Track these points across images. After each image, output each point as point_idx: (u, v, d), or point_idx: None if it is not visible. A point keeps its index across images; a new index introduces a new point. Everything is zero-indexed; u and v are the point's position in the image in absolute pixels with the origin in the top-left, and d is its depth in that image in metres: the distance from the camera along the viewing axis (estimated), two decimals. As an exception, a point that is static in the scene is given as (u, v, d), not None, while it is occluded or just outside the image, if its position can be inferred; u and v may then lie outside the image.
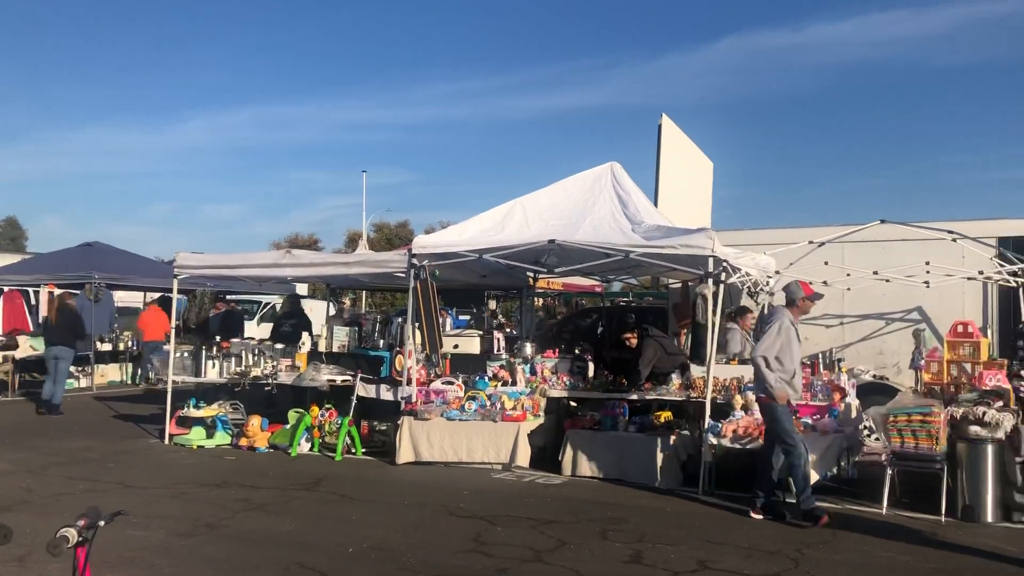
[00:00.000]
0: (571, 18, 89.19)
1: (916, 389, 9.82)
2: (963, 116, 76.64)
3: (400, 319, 11.78)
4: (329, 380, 11.14)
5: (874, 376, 11.27)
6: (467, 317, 19.76)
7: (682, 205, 13.79)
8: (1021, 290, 10.38)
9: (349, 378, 11.11)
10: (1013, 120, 73.59)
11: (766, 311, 11.41)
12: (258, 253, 12.80)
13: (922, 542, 6.89)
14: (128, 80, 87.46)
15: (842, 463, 9.09)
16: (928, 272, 10.64)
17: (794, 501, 7.65)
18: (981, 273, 9.99)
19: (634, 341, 11.00)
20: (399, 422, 10.07)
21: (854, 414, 9.42)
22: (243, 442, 10.90)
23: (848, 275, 11.05)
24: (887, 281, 10.84)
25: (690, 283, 12.72)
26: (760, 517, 7.61)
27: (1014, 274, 9.38)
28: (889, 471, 7.99)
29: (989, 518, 7.59)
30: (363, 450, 10.64)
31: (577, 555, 6.42)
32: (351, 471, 9.72)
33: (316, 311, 17.37)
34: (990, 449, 7.72)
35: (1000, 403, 8.18)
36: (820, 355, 11.68)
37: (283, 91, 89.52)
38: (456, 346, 12.37)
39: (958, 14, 74.27)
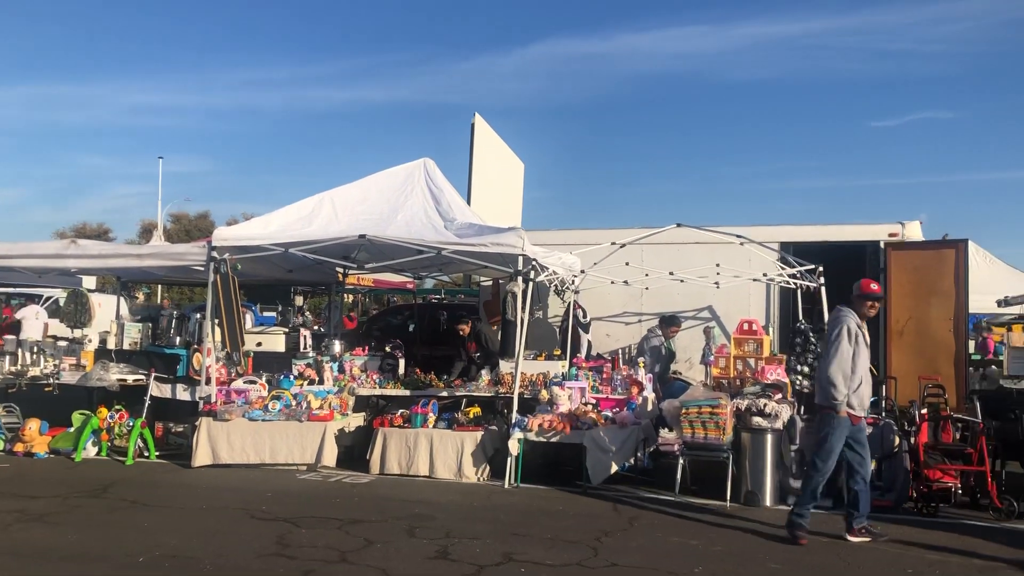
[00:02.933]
0: (382, 11, 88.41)
1: (706, 383, 10.47)
2: (753, 128, 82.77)
3: (199, 315, 11.22)
4: (119, 380, 10.42)
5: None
6: (272, 313, 19.15)
7: (494, 204, 14.01)
8: (799, 291, 11.30)
9: (142, 377, 10.46)
10: (798, 134, 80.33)
11: (575, 310, 11.82)
12: (40, 243, 11.74)
13: (710, 526, 7.36)
14: None
15: (639, 454, 9.55)
16: (718, 274, 11.37)
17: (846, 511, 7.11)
18: (765, 275, 10.79)
19: (467, 330, 11.31)
20: (197, 423, 9.58)
21: (650, 407, 9.92)
22: (19, 448, 9.97)
23: (647, 275, 11.62)
24: (682, 281, 11.49)
25: (500, 281, 12.94)
26: (862, 539, 6.87)
27: (793, 276, 10.19)
28: (681, 460, 8.47)
29: (768, 502, 8.22)
30: (157, 453, 10.03)
31: (384, 554, 6.34)
32: (143, 476, 9.13)
33: (106, 306, 16.17)
34: (770, 438, 8.37)
35: (779, 395, 8.89)
36: (620, 351, 12.24)
37: (66, 69, 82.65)
38: (259, 344, 11.96)
39: (754, 32, 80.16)
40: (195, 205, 62.59)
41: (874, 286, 7.32)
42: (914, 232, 11.82)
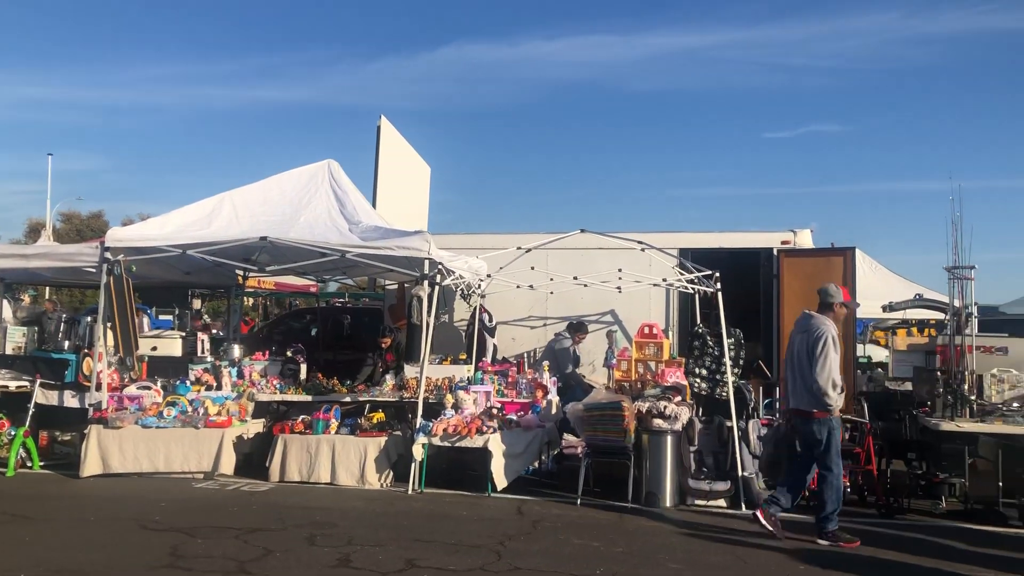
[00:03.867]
0: (288, 10, 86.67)
1: (608, 386, 10.64)
2: (655, 137, 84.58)
3: (90, 318, 10.78)
4: (0, 387, 9.90)
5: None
6: (169, 317, 18.49)
7: (399, 207, 13.90)
8: (697, 296, 11.61)
9: (26, 384, 9.96)
10: (698, 143, 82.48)
11: (481, 314, 11.84)
12: (-86, 242, 11.08)
13: (611, 528, 7.48)
14: None
15: (543, 457, 9.64)
16: (620, 279, 11.57)
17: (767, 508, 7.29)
18: (665, 280, 11.03)
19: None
20: (86, 431, 9.20)
21: (554, 410, 10.02)
22: None
23: (552, 280, 11.72)
24: (585, 286, 11.65)
25: (406, 284, 12.85)
26: (772, 527, 7.14)
27: (692, 282, 10.45)
28: (584, 463, 8.58)
29: (668, 502, 8.40)
30: (41, 464, 9.58)
31: (283, 563, 6.21)
32: (25, 487, 8.70)
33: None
34: (669, 440, 8.56)
35: (679, 398, 9.10)
36: (525, 355, 12.32)
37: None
38: (155, 348, 11.58)
39: (656, 43, 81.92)
40: (87, 204, 59.85)
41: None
42: (805, 240, 12.30)
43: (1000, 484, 8.09)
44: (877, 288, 13.71)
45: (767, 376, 11.69)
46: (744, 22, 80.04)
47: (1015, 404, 8.62)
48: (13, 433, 9.41)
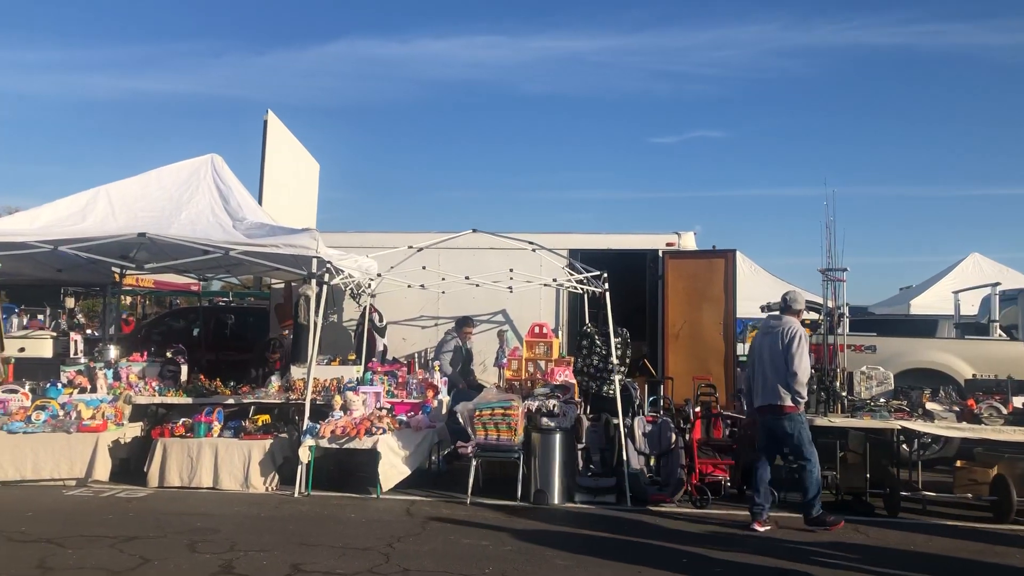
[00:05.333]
0: (171, 0, 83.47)
1: (499, 385, 10.69)
2: (545, 140, 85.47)
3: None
4: None
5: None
6: (39, 316, 17.60)
7: (287, 204, 13.61)
8: (586, 296, 11.81)
9: None
10: (586, 147, 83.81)
11: (371, 314, 11.70)
12: None
13: (501, 527, 7.51)
14: None
15: (433, 457, 9.61)
16: (512, 279, 11.65)
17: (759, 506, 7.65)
18: (555, 280, 11.17)
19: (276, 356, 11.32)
20: (-56, 438, 8.62)
21: (444, 410, 10.00)
22: None
23: (444, 279, 11.71)
24: (477, 286, 11.69)
25: (293, 283, 12.59)
26: (766, 529, 7.55)
27: (581, 282, 10.61)
28: (474, 462, 8.61)
29: (557, 500, 8.51)
30: None
31: (161, 571, 5.98)
32: None
33: None
34: (558, 438, 8.67)
35: (567, 396, 9.23)
36: (416, 355, 12.25)
37: None
38: (23, 349, 11.00)
39: (544, 46, 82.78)
40: (-52, 196, 56.25)
41: None
42: (689, 242, 12.68)
43: (868, 476, 8.56)
44: (756, 289, 14.34)
45: (652, 374, 12.01)
46: (627, 29, 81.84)
47: (882, 399, 9.12)
48: None
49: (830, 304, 9.52)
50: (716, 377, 11.15)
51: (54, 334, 12.04)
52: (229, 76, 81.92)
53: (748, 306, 13.30)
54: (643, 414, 9.72)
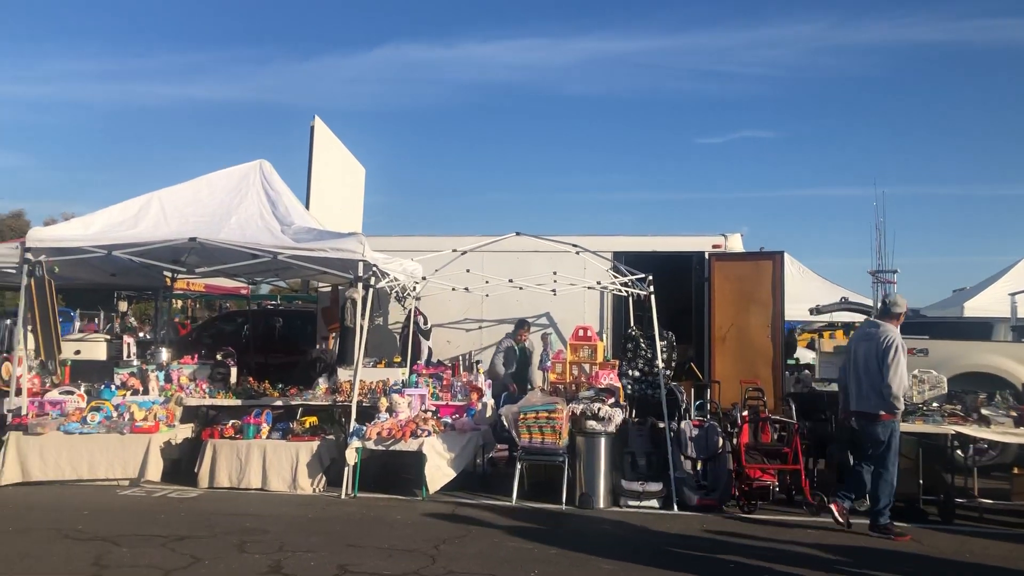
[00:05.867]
0: (221, 7, 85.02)
1: (543, 388, 10.69)
2: (589, 141, 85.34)
3: (9, 321, 10.40)
4: (-88, 392, 9.51)
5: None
6: (93, 320, 18.04)
7: (333, 208, 13.76)
8: (631, 299, 11.74)
9: (-61, 389, 9.58)
10: (631, 148, 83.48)
11: (415, 317, 11.79)
12: None
13: (546, 530, 7.50)
14: None
15: (478, 460, 9.63)
16: (555, 281, 11.64)
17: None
18: (599, 283, 11.13)
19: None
20: (4, 438, 8.90)
21: (489, 413, 10.03)
22: None
23: (487, 282, 11.74)
24: (521, 289, 11.69)
25: (340, 287, 12.72)
26: (843, 520, 7.61)
27: (625, 285, 10.56)
28: (519, 465, 8.60)
29: (602, 504, 8.47)
30: (-44, 472, 9.19)
31: (212, 571, 6.08)
32: (-61, 498, 8.35)
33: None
34: (603, 441, 8.63)
35: (612, 399, 9.18)
36: (460, 357, 12.31)
37: None
38: (78, 352, 11.25)
39: (589, 48, 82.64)
40: (7, 203, 57.78)
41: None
42: (736, 244, 12.56)
43: (920, 482, 8.38)
44: (805, 291, 14.14)
45: (699, 377, 11.91)
46: (673, 28, 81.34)
47: (935, 404, 8.92)
48: (-74, 441, 9.03)
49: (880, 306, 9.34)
50: (764, 381, 11.01)
51: (108, 337, 12.31)
52: (277, 82, 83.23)
53: (796, 308, 13.12)
54: (690, 418, 9.64)
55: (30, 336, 9.50)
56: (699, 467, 9.01)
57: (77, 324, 15.46)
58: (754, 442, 9.17)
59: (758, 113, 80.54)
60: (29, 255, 9.29)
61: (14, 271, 9.57)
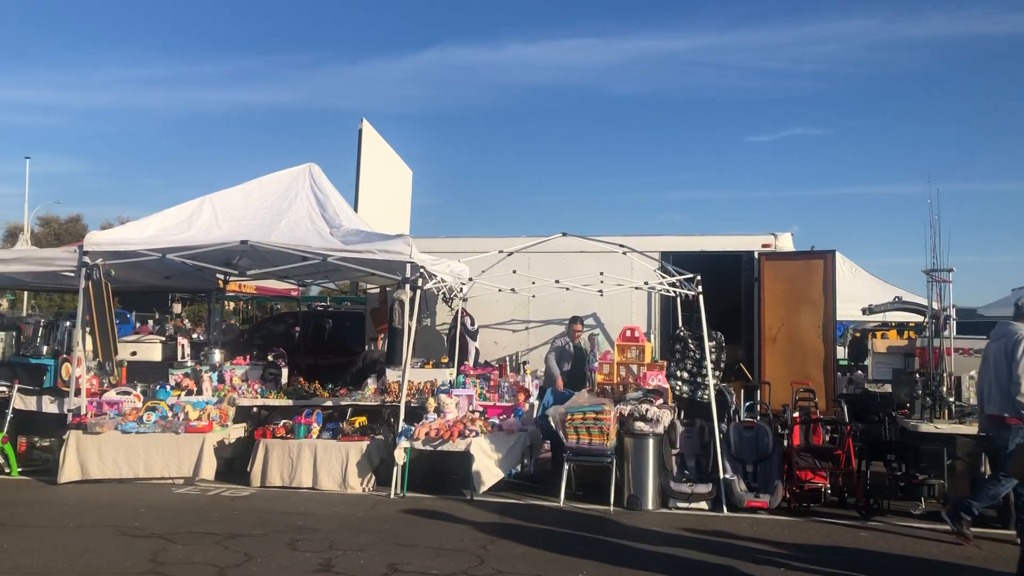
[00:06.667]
0: (269, 12, 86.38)
1: (590, 389, 10.64)
2: (636, 141, 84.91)
3: (68, 323, 10.68)
4: (-22, 392, 9.82)
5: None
6: (148, 322, 18.44)
7: (381, 211, 13.88)
8: (679, 299, 11.65)
9: (4, 389, 9.87)
10: (679, 147, 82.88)
11: (462, 318, 11.84)
12: None
13: (594, 531, 7.48)
14: None
15: (525, 460, 9.64)
16: (602, 282, 11.60)
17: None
18: (646, 283, 11.05)
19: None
20: (65, 437, 9.12)
21: (536, 413, 10.02)
22: None
23: (533, 283, 11.74)
24: (567, 289, 11.65)
25: (388, 288, 12.82)
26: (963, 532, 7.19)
27: (673, 285, 10.48)
28: (567, 466, 8.59)
29: (651, 505, 8.42)
30: (19, 469, 9.48)
31: (264, 568, 6.18)
32: (3, 494, 8.61)
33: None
34: (651, 442, 8.58)
35: (660, 401, 9.13)
36: (507, 358, 12.33)
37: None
38: (134, 353, 11.51)
39: (636, 47, 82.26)
40: (66, 208, 59.49)
41: None
42: (786, 243, 12.38)
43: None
44: (857, 290, 13.84)
45: (749, 378, 11.77)
46: (723, 26, 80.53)
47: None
48: (-9, 439, 9.32)
49: (935, 306, 9.14)
50: (815, 382, 10.85)
51: (163, 338, 12.57)
52: (325, 86, 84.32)
53: (848, 308, 12.86)
54: (739, 419, 9.53)
55: (88, 338, 9.73)
56: (749, 469, 8.90)
57: (139, 325, 15.81)
58: (805, 444, 9.05)
59: (809, 110, 79.45)
60: (87, 258, 9.54)
61: (73, 274, 9.83)
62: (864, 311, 11.84)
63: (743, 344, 12.30)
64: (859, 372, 13.39)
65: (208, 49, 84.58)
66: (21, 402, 9.79)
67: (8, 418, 9.57)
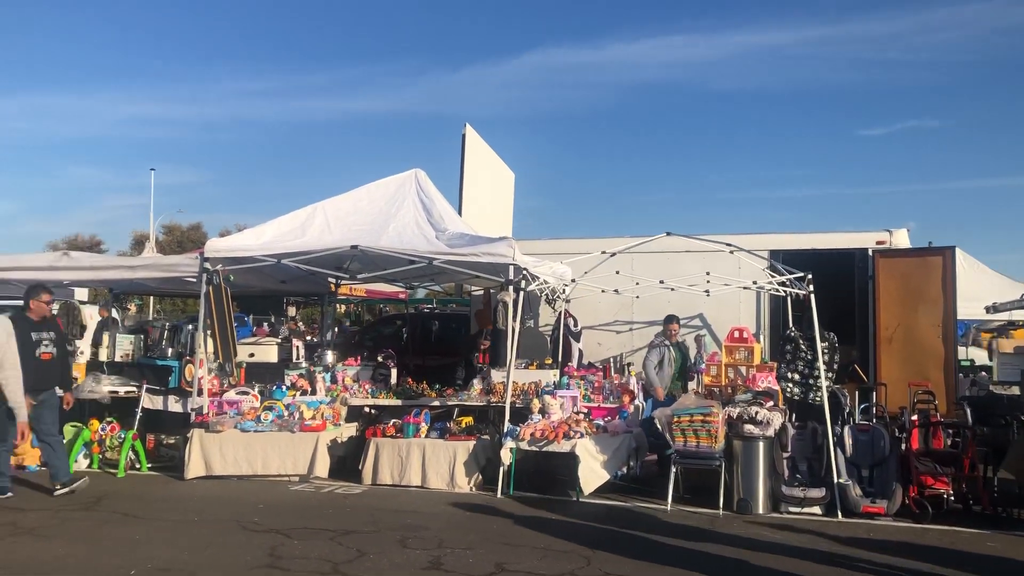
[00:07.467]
0: (375, 23, 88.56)
1: (698, 391, 10.49)
2: (741, 137, 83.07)
3: (191, 326, 11.21)
4: (111, 392, 10.41)
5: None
6: (264, 324, 19.15)
7: (485, 214, 14.04)
8: (789, 299, 11.35)
9: (133, 389, 10.43)
10: (786, 143, 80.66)
11: (566, 319, 11.87)
12: (32, 255, 11.75)
13: (704, 534, 7.37)
14: None
15: (631, 462, 9.57)
16: (708, 282, 11.40)
17: None
18: (755, 283, 10.81)
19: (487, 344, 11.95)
20: (189, 435, 9.56)
21: (642, 416, 9.95)
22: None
23: (637, 284, 11.64)
24: (672, 290, 11.50)
25: (492, 290, 12.96)
26: None
27: (783, 284, 10.23)
28: (673, 468, 8.49)
29: (761, 509, 8.24)
30: (148, 465, 10.01)
31: (376, 565, 6.34)
32: (135, 488, 9.11)
33: (96, 318, 16.14)
34: (761, 445, 8.39)
35: (771, 403, 8.91)
36: (612, 360, 12.27)
37: (58, 81, 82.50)
38: (252, 355, 11.94)
39: (741, 42, 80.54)
40: (187, 216, 62.34)
41: None
42: (902, 240, 11.90)
43: None
44: (979, 289, 13.18)
45: (863, 380, 11.36)
46: (830, 17, 77.88)
47: None
48: (123, 436, 9.86)
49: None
50: (935, 383, 10.38)
51: (278, 340, 13.03)
52: (429, 93, 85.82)
53: (970, 307, 12.26)
54: (854, 422, 9.22)
55: (209, 340, 10.18)
56: (864, 473, 8.60)
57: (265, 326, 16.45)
58: (925, 448, 8.68)
59: (924, 101, 76.02)
60: (207, 264, 9.98)
61: (194, 280, 10.28)
62: (988, 309, 11.28)
63: (857, 345, 11.88)
64: (983, 373, 12.73)
65: (317, 60, 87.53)
66: (149, 401, 10.33)
67: (138, 416, 10.12)
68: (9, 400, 6.13)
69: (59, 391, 9.08)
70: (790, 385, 10.20)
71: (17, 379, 8.00)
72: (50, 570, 6.20)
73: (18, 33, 78.07)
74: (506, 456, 8.80)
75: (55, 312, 10.30)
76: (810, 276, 9.42)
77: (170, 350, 11.47)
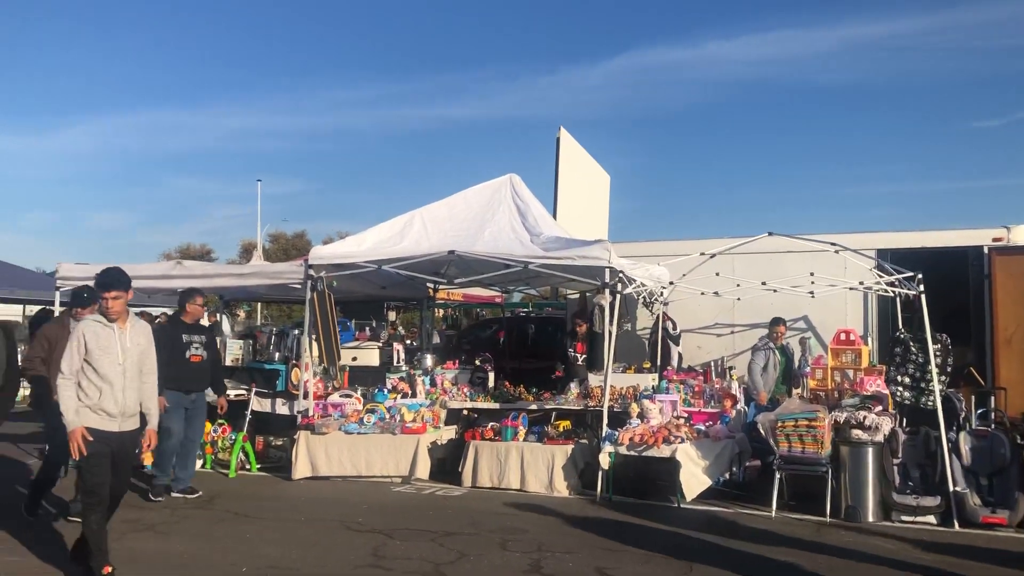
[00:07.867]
0: (469, 29, 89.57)
1: (802, 395, 10.19)
2: (845, 132, 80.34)
3: (296, 331, 11.55)
4: (222, 395, 10.80)
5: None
6: (366, 329, 19.55)
7: (580, 217, 14.02)
8: (898, 300, 10.92)
9: (243, 392, 10.82)
10: (892, 137, 77.67)
11: (664, 322, 11.74)
12: (147, 264, 12.35)
13: (810, 543, 7.15)
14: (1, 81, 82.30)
15: (733, 468, 9.38)
16: (813, 283, 11.06)
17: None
18: (862, 283, 10.44)
19: (584, 327, 11.78)
20: (295, 437, 9.85)
21: (745, 420, 9.74)
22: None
23: (738, 285, 11.39)
24: (775, 291, 11.20)
25: (588, 293, 12.91)
26: None
27: (891, 284, 9.85)
28: (777, 475, 8.28)
29: (871, 518, 7.96)
30: (258, 466, 10.37)
31: (477, 566, 6.40)
32: (245, 488, 9.45)
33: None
34: (871, 452, 8.10)
35: (879, 407, 8.60)
36: (712, 363, 12.04)
37: (168, 96, 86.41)
38: (355, 358, 12.20)
39: (841, 35, 78.01)
40: (292, 225, 64.29)
41: None
42: (1021, 236, 11.29)
43: None
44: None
45: (980, 383, 10.83)
46: (938, 5, 74.66)
47: None
48: (234, 438, 10.25)
49: None
50: (1061, 387, 9.81)
51: (380, 344, 13.29)
52: (522, 97, 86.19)
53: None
54: (970, 428, 8.80)
55: (314, 344, 10.48)
56: (983, 482, 8.20)
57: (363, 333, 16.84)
58: (1050, 456, 8.21)
59: (1043, 88, 71.96)
60: (311, 271, 10.29)
61: (300, 286, 10.61)
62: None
63: (973, 347, 11.34)
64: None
65: (412, 68, 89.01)
66: (258, 404, 10.69)
67: (248, 419, 10.49)
68: (143, 404, 6.46)
69: (210, 394, 9.54)
70: (900, 389, 9.80)
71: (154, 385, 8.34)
72: (175, 564, 6.49)
73: (127, 54, 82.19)
74: (605, 460, 8.75)
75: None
76: (920, 276, 9.04)
77: (277, 354, 11.81)
